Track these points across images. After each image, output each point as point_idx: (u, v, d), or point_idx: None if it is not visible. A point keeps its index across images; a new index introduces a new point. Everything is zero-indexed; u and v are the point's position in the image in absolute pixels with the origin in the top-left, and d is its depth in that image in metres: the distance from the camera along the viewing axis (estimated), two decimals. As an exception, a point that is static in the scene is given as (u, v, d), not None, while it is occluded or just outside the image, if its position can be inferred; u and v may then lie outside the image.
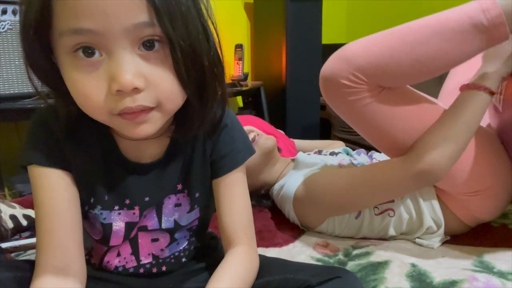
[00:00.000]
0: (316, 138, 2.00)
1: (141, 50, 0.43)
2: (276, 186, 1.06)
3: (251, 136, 1.07)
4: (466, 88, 0.81)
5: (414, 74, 0.77)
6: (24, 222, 1.00)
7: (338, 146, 1.38)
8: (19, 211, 1.01)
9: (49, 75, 0.46)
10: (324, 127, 2.09)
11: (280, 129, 1.60)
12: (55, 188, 0.51)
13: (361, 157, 1.10)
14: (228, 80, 2.16)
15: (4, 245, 0.92)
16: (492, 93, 0.79)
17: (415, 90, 0.87)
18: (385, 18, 2.61)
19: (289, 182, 0.98)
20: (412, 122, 0.83)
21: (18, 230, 1.00)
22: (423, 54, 0.74)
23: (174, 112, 0.49)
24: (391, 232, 0.92)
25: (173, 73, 0.44)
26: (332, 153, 1.15)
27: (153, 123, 0.46)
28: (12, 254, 0.91)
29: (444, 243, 0.91)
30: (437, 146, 0.78)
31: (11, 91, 1.28)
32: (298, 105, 2.07)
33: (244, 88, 1.96)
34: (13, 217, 0.99)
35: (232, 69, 2.19)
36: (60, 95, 0.48)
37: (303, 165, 1.03)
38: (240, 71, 2.13)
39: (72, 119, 0.50)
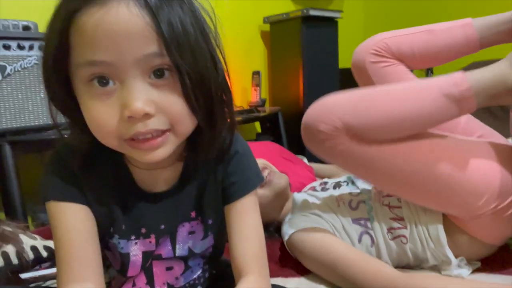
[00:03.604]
0: (335, 162, 1.96)
1: (151, 78, 0.45)
2: (285, 220, 1.05)
3: (265, 173, 1.05)
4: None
5: (390, 132, 0.80)
6: (45, 254, 1.00)
7: None
8: (40, 242, 1.02)
9: (66, 105, 0.50)
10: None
11: (299, 155, 1.58)
12: (72, 222, 0.52)
13: (363, 184, 1.04)
14: (246, 106, 2.18)
15: (24, 275, 0.93)
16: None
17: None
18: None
19: (286, 226, 0.97)
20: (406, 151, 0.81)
21: (38, 261, 1.00)
22: (401, 116, 0.79)
23: (186, 135, 0.50)
24: (410, 257, 0.89)
25: (182, 99, 0.46)
26: (336, 185, 1.08)
27: (166, 147, 0.47)
28: (32, 285, 0.91)
29: (475, 271, 0.86)
30: None
31: (36, 123, 1.33)
32: (317, 130, 2.05)
33: (262, 114, 1.96)
34: (33, 248, 1.00)
35: (250, 95, 2.21)
36: (76, 124, 0.51)
37: (298, 208, 1.00)
38: (258, 97, 2.15)
39: (86, 151, 0.52)
